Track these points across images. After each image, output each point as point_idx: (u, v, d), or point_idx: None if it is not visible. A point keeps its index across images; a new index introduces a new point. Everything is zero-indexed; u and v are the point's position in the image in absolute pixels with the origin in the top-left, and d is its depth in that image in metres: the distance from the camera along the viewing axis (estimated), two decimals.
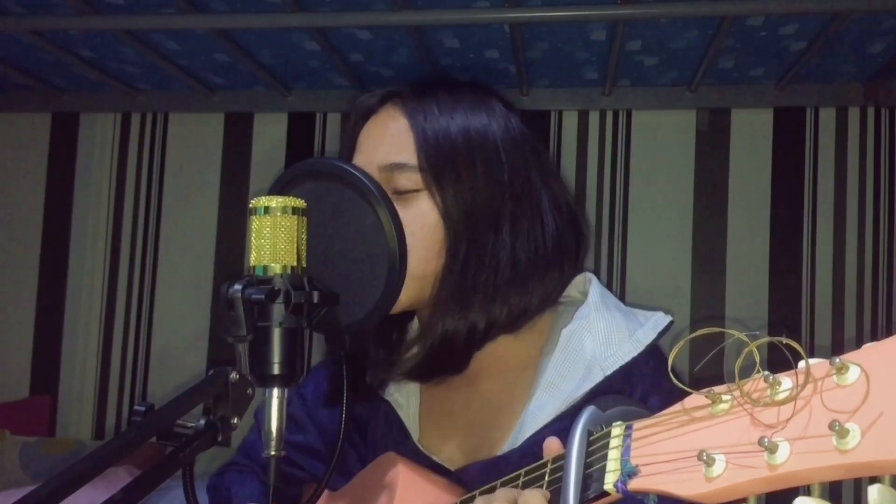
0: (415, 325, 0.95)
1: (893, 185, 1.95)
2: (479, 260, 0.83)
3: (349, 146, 0.91)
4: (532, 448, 0.71)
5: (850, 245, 1.96)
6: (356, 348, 0.90)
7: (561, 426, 0.80)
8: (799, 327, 1.95)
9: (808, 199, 1.99)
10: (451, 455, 0.89)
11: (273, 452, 0.65)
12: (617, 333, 0.84)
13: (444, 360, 0.85)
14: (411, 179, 0.83)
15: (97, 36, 1.74)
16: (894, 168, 1.95)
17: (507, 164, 0.85)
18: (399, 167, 0.83)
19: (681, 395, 0.55)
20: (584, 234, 0.92)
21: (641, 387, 0.83)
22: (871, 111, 1.98)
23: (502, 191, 0.84)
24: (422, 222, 0.83)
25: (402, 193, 0.84)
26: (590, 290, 0.89)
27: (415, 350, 0.87)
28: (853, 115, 1.98)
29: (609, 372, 0.81)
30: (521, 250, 0.84)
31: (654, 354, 0.85)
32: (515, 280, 0.84)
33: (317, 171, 0.77)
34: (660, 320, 0.86)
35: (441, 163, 0.83)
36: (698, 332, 0.52)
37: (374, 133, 0.87)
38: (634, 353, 0.82)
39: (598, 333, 0.84)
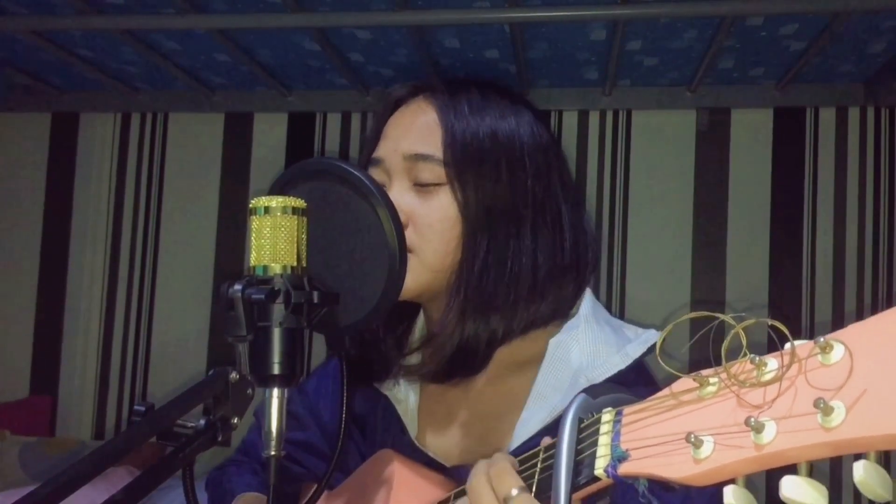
0: (420, 321, 0.95)
1: (893, 184, 1.95)
2: (501, 264, 0.83)
3: (374, 134, 0.91)
4: None
5: (850, 245, 1.96)
6: (362, 342, 0.91)
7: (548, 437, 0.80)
8: (799, 330, 1.95)
9: (808, 199, 1.99)
10: (447, 453, 0.89)
11: (273, 452, 0.65)
12: (605, 346, 0.84)
13: (466, 363, 0.85)
14: (434, 172, 0.84)
15: (97, 36, 1.74)
16: (894, 168, 1.95)
17: (532, 171, 0.86)
18: (423, 158, 0.84)
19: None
20: (595, 248, 0.92)
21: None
22: (871, 111, 1.98)
23: (525, 196, 0.85)
24: (441, 215, 0.83)
25: (423, 185, 0.84)
26: (582, 303, 0.89)
27: (426, 352, 0.87)
28: (853, 115, 1.98)
29: (595, 382, 0.81)
30: (542, 258, 0.84)
31: (642, 371, 0.85)
32: (535, 287, 0.84)
33: (317, 170, 0.77)
34: (650, 336, 0.86)
35: (466, 160, 0.83)
36: (686, 317, 0.53)
37: (402, 122, 0.88)
38: (622, 366, 0.82)
39: (585, 345, 0.85)
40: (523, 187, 0.85)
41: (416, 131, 0.86)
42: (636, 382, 0.84)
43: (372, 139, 0.91)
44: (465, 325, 0.83)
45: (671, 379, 0.54)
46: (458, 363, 0.85)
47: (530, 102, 0.92)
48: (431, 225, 0.82)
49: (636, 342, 0.85)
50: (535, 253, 0.84)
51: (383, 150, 0.87)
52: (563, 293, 0.86)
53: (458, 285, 0.83)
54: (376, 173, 0.87)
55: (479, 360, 0.85)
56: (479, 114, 0.86)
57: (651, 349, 0.85)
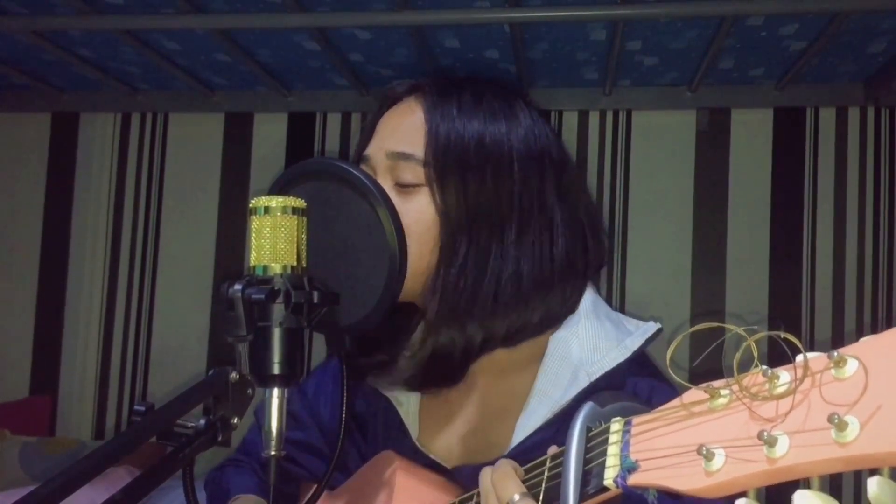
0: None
1: (893, 184, 1.95)
2: (480, 270, 0.81)
3: (367, 131, 0.91)
4: (519, 457, 0.71)
5: (850, 245, 1.96)
6: (358, 346, 0.90)
7: (549, 434, 0.80)
8: (799, 328, 1.95)
9: (808, 199, 1.99)
10: (449, 454, 0.89)
11: (273, 452, 0.65)
12: (605, 341, 0.84)
13: (440, 372, 0.84)
14: (414, 172, 0.83)
15: (97, 36, 1.74)
16: (894, 168, 1.95)
17: (520, 179, 0.84)
18: (405, 157, 0.83)
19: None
20: (600, 255, 0.90)
21: (638, 393, 0.83)
22: (871, 111, 1.98)
23: (510, 204, 0.83)
24: (417, 217, 0.82)
25: (404, 186, 0.83)
26: (583, 298, 0.89)
27: (409, 357, 0.87)
28: (853, 115, 1.98)
29: (595, 377, 0.81)
30: (526, 266, 0.82)
31: (645, 361, 0.85)
32: (517, 296, 0.82)
33: (317, 170, 0.77)
34: (649, 328, 0.86)
35: (447, 162, 0.82)
36: (697, 327, 0.52)
37: (391, 121, 0.88)
38: (621, 359, 0.82)
39: (585, 340, 0.84)
40: (509, 194, 0.83)
41: (402, 130, 0.85)
42: (640, 374, 0.84)
43: (365, 136, 0.91)
44: (440, 333, 0.82)
45: (681, 389, 0.54)
46: (432, 372, 0.84)
47: (532, 103, 0.90)
48: (408, 226, 0.80)
49: (635, 334, 0.85)
50: (518, 261, 0.82)
51: (371, 147, 0.87)
52: (552, 302, 0.85)
53: (434, 289, 0.82)
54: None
55: (454, 369, 0.84)
56: (467, 116, 0.84)
57: (650, 340, 0.85)
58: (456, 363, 0.84)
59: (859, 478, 1.81)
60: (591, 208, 0.91)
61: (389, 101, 0.90)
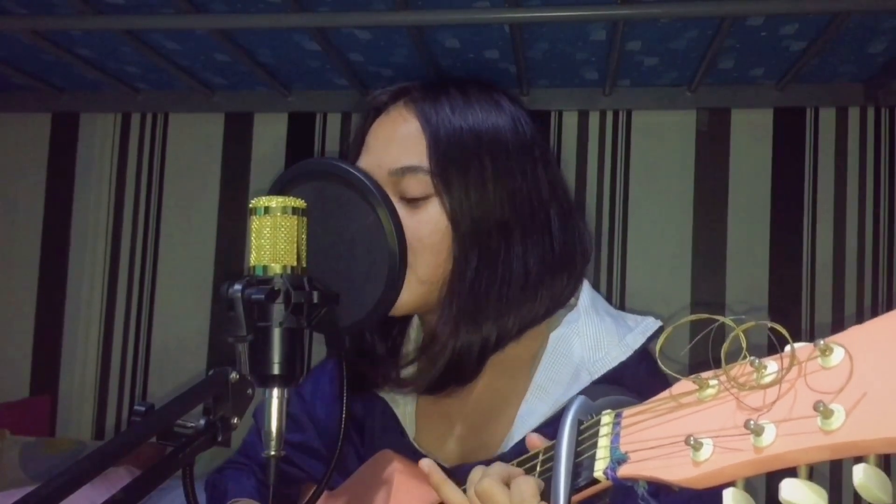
0: (414, 324, 0.95)
1: (893, 184, 1.95)
2: (492, 270, 0.82)
3: (358, 142, 0.90)
4: (520, 454, 0.71)
5: (850, 245, 1.96)
6: (357, 349, 0.91)
7: (549, 432, 0.80)
8: (799, 329, 1.95)
9: (808, 199, 1.99)
10: (447, 454, 0.89)
11: (273, 453, 0.65)
12: (606, 338, 0.84)
13: (458, 373, 0.85)
14: (421, 183, 0.82)
15: (97, 36, 1.74)
16: (894, 168, 1.95)
17: (518, 171, 0.84)
18: (411, 170, 0.82)
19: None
20: (587, 241, 0.91)
21: (633, 390, 0.83)
22: (871, 111, 1.98)
23: (512, 198, 0.83)
24: (431, 228, 0.82)
25: (412, 199, 0.82)
26: (581, 294, 0.89)
27: (422, 363, 0.87)
28: (853, 115, 1.98)
29: (597, 376, 0.81)
30: (532, 258, 0.83)
31: (645, 358, 0.85)
32: (526, 289, 0.83)
33: (317, 171, 0.77)
34: (649, 325, 0.86)
35: (453, 168, 0.82)
36: (686, 319, 0.53)
37: (384, 134, 0.86)
38: (623, 358, 0.82)
39: (586, 338, 0.84)
40: (510, 189, 0.83)
41: (399, 142, 0.84)
42: (638, 370, 0.83)
43: (354, 149, 0.90)
44: (459, 336, 0.82)
45: (672, 381, 0.54)
46: (451, 374, 0.84)
47: (514, 97, 0.91)
48: (421, 239, 0.81)
49: (635, 331, 0.85)
50: (525, 255, 0.83)
51: (366, 163, 0.85)
52: (556, 290, 0.85)
53: (451, 295, 0.82)
54: None
55: (472, 368, 0.84)
56: (461, 117, 0.84)
57: (652, 337, 0.85)
58: (474, 363, 0.84)
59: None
60: (572, 199, 0.91)
61: (375, 111, 0.89)
